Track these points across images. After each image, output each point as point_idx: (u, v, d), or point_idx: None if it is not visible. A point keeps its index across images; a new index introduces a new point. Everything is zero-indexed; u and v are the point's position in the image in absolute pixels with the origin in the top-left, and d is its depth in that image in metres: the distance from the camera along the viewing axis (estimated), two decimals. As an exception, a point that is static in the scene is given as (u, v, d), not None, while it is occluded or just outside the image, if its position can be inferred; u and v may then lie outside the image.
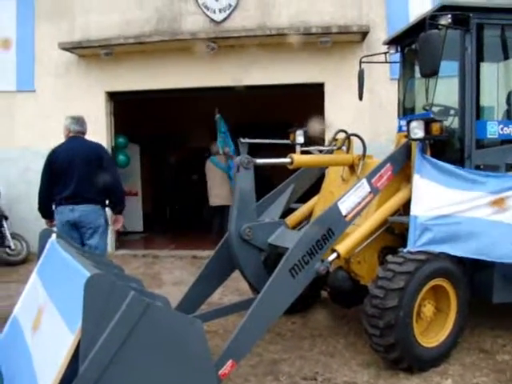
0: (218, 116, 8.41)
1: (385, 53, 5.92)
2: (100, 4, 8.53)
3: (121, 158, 9.45)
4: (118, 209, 5.06)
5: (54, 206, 4.96)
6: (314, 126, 5.24)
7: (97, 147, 5.03)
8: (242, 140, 4.04)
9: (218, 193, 8.93)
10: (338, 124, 7.75)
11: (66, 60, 8.75)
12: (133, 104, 9.71)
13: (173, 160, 13.44)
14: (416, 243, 3.88)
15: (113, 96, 8.84)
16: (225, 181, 8.91)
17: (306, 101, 8.30)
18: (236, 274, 4.22)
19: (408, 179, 4.38)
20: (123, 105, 9.14)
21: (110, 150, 8.80)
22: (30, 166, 8.72)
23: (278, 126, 10.56)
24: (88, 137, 8.03)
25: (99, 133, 8.54)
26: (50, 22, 8.78)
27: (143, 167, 11.13)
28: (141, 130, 10.77)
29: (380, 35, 7.88)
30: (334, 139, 5.02)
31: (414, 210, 3.99)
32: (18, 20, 9.09)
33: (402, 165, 4.37)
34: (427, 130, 4.09)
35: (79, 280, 2.30)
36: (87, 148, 4.91)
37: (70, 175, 4.79)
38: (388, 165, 4.23)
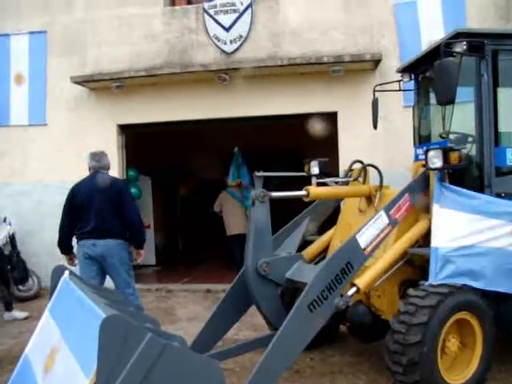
0: (236, 149, 8.52)
1: (398, 81, 6.00)
2: (111, 37, 8.80)
3: (132, 190, 9.52)
4: (138, 242, 5.18)
5: (74, 241, 5.12)
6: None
7: (115, 182, 5.30)
8: (257, 173, 4.07)
9: (235, 222, 9.24)
10: (353, 153, 7.84)
11: (78, 93, 8.95)
12: (144, 136, 9.84)
13: (184, 191, 13.51)
14: (438, 276, 3.83)
15: (124, 129, 8.99)
16: (241, 210, 9.34)
17: (319, 130, 8.36)
18: (251, 308, 4.19)
19: (427, 209, 4.35)
20: (134, 137, 9.28)
21: (121, 183, 8.96)
22: (42, 199, 8.85)
23: (292, 153, 10.84)
24: (99, 170, 8.16)
25: (111, 166, 8.69)
26: (62, 56, 9.03)
27: (155, 199, 11.20)
28: (152, 162, 10.88)
29: (393, 62, 7.97)
30: (350, 169, 5.05)
31: (435, 241, 3.95)
32: (30, 55, 9.34)
33: (420, 195, 4.36)
34: (445, 159, 4.09)
35: (94, 321, 2.29)
36: (106, 183, 5.11)
37: (91, 210, 4.99)
38: (406, 195, 4.22)
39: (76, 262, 5.21)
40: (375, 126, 6.11)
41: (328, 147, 8.20)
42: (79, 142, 8.81)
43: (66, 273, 3.52)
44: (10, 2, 9.35)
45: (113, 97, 8.67)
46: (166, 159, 11.72)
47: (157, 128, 9.05)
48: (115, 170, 8.67)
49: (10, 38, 9.40)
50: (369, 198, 4.70)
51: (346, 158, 7.89)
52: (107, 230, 4.94)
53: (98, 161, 5.31)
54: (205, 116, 8.51)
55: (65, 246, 5.17)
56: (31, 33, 9.27)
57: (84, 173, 8.64)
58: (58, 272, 3.57)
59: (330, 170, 5.11)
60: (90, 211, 4.98)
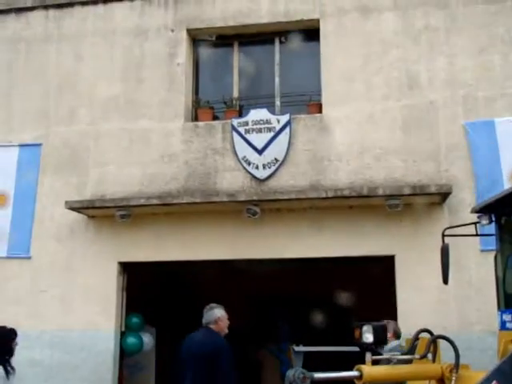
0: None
1: (474, 223, 6.19)
2: (118, 155, 9.46)
3: (131, 341, 9.48)
4: None
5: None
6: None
7: (215, 344, 6.10)
8: (296, 348, 4.21)
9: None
10: (415, 311, 7.96)
11: (73, 221, 9.39)
12: (150, 276, 10.08)
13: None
14: None
15: (127, 267, 9.29)
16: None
17: (371, 277, 8.52)
18: None
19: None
20: (138, 277, 9.54)
21: (118, 335, 9.09)
22: (18, 351, 8.90)
23: (336, 304, 10.89)
24: (94, 317, 8.36)
25: (108, 312, 9.01)
26: (57, 175, 9.64)
27: (159, 354, 11.11)
28: (158, 309, 10.97)
29: (465, 195, 8.35)
30: (416, 339, 5.10)
31: None
32: (18, 171, 9.95)
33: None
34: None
35: None
36: (206, 343, 6.10)
37: (188, 370, 6.06)
38: (494, 383, 4.22)
39: None
40: (445, 281, 6.20)
41: (382, 300, 8.29)
42: (68, 282, 9.13)
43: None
44: (0, 110, 10.20)
45: (116, 227, 9.08)
46: (177, 306, 11.73)
47: (168, 268, 9.31)
48: (111, 317, 8.96)
49: (-4, 151, 10.07)
50: (441, 382, 4.71)
51: (406, 316, 7.94)
52: None
53: (205, 315, 6.35)
54: (228, 256, 8.81)
55: None
56: (22, 145, 10.00)
57: (72, 321, 8.97)
58: None
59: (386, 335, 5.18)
60: (187, 371, 6.07)
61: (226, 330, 6.39)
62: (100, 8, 10.27)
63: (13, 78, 10.29)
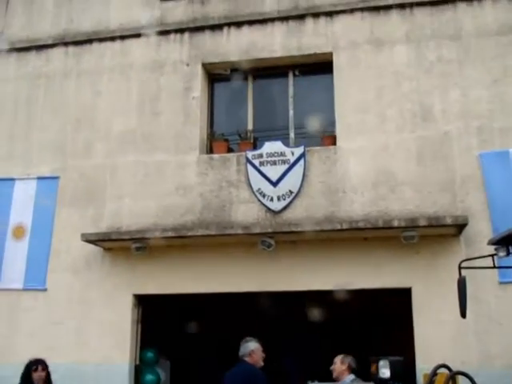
0: None
1: (492, 255, 6.11)
2: (134, 188, 9.48)
3: (149, 378, 9.40)
4: None
5: None
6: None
7: (250, 375, 6.36)
8: (311, 384, 4.09)
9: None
10: (433, 345, 7.83)
11: (89, 253, 9.38)
12: (165, 309, 10.01)
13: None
14: None
15: (142, 300, 9.23)
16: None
17: (387, 309, 8.38)
18: None
19: None
20: (153, 310, 9.46)
21: (132, 368, 8.97)
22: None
23: (352, 334, 10.71)
24: (108, 350, 8.32)
25: (122, 345, 8.94)
26: (74, 207, 9.68)
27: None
28: (173, 341, 10.87)
29: (481, 226, 8.24)
30: (434, 374, 4.99)
31: None
32: (36, 204, 10.02)
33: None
34: None
35: None
36: (240, 375, 6.36)
37: None
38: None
39: None
40: (463, 314, 6.12)
41: (399, 334, 8.14)
42: (83, 314, 9.10)
43: None
44: (19, 144, 10.35)
45: (131, 260, 9.06)
46: (192, 339, 11.66)
47: (183, 300, 9.24)
48: (126, 350, 8.87)
49: (14, 184, 10.18)
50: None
51: (424, 350, 7.82)
52: None
53: (240, 348, 6.59)
54: (243, 289, 8.72)
55: None
56: (40, 178, 10.10)
57: (87, 355, 8.90)
58: None
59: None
60: None
61: (261, 363, 6.59)
62: (117, 44, 10.43)
63: (32, 112, 10.43)
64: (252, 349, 6.55)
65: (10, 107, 10.56)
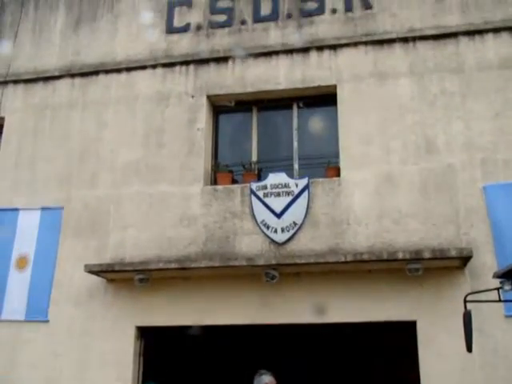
0: None
1: (497, 288, 6.06)
2: (138, 218, 9.41)
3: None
4: None
5: None
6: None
7: None
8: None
9: None
10: (438, 378, 7.80)
11: (92, 284, 9.33)
12: (168, 341, 9.91)
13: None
14: None
15: (145, 332, 9.13)
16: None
17: (393, 342, 8.28)
18: None
19: None
20: (156, 342, 9.38)
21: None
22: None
23: (357, 368, 10.59)
24: (109, 383, 8.26)
25: (124, 377, 8.83)
26: (77, 239, 9.68)
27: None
28: (175, 374, 10.74)
29: (486, 259, 8.21)
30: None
31: None
32: (39, 234, 10.01)
33: None
34: None
35: None
36: None
37: None
38: None
39: None
40: (469, 348, 6.06)
41: (405, 367, 8.03)
42: (85, 346, 9.01)
43: None
44: (24, 174, 10.39)
45: (134, 291, 8.98)
46: (196, 374, 11.51)
47: (186, 333, 9.10)
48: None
49: (18, 214, 10.19)
50: None
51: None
52: None
53: (254, 381, 6.55)
54: (247, 321, 8.63)
55: None
56: (44, 208, 10.10)
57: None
58: None
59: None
60: None
61: None
62: (123, 75, 10.54)
63: (38, 143, 10.51)
64: (266, 382, 6.51)
65: (16, 137, 10.65)
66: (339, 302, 8.40)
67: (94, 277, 9.20)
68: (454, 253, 7.99)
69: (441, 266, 8.19)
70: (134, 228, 9.36)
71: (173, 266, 8.62)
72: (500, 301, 6.13)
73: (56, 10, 11.33)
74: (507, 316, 7.82)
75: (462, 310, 6.32)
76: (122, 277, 9.04)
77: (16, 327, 9.48)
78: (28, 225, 10.08)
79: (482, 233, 8.40)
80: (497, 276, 6.20)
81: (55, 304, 9.43)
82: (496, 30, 9.18)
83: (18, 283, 9.70)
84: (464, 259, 8.09)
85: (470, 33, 9.26)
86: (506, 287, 5.97)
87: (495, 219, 8.40)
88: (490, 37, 9.21)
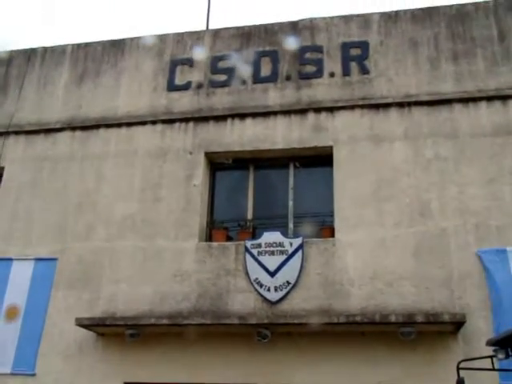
0: None
1: (491, 356, 5.97)
2: (131, 273, 9.39)
3: None
4: None
5: None
6: None
7: None
8: None
9: None
10: None
11: (81, 338, 9.15)
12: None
13: None
14: None
15: (132, 390, 8.96)
16: None
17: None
18: None
19: None
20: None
21: None
22: None
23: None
24: None
25: None
26: (70, 291, 9.55)
27: None
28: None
29: (479, 324, 8.12)
30: None
31: None
32: (32, 285, 9.87)
33: None
34: None
35: None
36: None
37: None
38: None
39: None
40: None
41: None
42: (72, 402, 8.76)
43: None
44: (20, 224, 10.32)
45: (124, 346, 8.83)
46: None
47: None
48: None
49: (11, 264, 10.07)
50: None
51: None
52: None
53: None
54: (238, 380, 8.45)
55: None
56: (38, 259, 9.99)
57: None
58: None
59: None
60: None
61: None
62: (123, 130, 10.62)
63: (35, 194, 10.48)
64: None
65: (15, 187, 10.64)
66: (330, 364, 8.27)
67: (84, 330, 9.04)
68: (447, 317, 7.92)
69: (434, 330, 8.12)
70: (127, 282, 9.31)
71: (164, 321, 8.50)
72: (493, 369, 6.03)
73: (61, 64, 11.54)
74: (502, 385, 7.67)
75: (455, 375, 6.23)
76: (112, 331, 8.89)
77: (1, 381, 9.20)
78: (21, 275, 9.96)
79: (476, 298, 8.34)
80: (490, 344, 6.13)
81: (43, 357, 9.22)
82: (489, 99, 9.37)
83: (7, 334, 9.49)
84: (457, 324, 8.01)
85: (464, 100, 9.45)
86: (500, 356, 5.90)
87: (490, 285, 8.35)
88: (483, 104, 9.38)
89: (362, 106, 9.75)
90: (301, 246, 8.87)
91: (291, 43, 10.43)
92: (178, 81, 10.76)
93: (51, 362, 9.14)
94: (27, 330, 9.47)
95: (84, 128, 10.80)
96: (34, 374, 9.17)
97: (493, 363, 6.03)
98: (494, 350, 5.99)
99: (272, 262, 8.81)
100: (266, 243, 8.96)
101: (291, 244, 8.89)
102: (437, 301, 8.31)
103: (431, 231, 8.71)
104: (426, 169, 9.12)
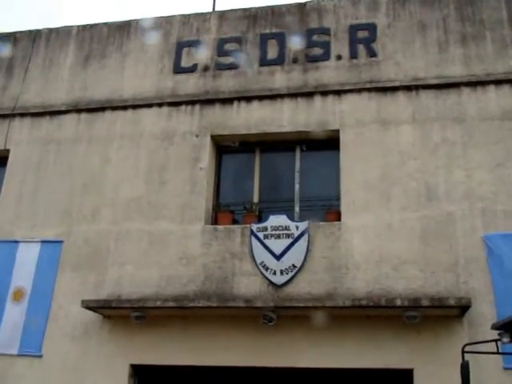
0: None
1: (495, 340, 6.01)
2: (137, 255, 9.47)
3: None
4: None
5: None
6: None
7: None
8: None
9: None
10: None
11: (87, 320, 9.24)
12: (163, 381, 9.76)
13: None
14: None
15: (139, 370, 9.02)
16: None
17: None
18: None
19: None
20: (150, 381, 9.20)
21: None
22: None
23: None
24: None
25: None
26: (75, 274, 9.64)
27: None
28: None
29: (485, 309, 8.16)
30: None
31: None
32: (38, 267, 9.95)
33: None
34: None
35: None
36: None
37: None
38: None
39: None
40: (467, 400, 5.97)
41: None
42: (78, 383, 8.87)
43: None
44: (26, 206, 10.39)
45: (130, 328, 8.93)
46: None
47: (182, 373, 8.98)
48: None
49: (18, 246, 10.15)
50: None
51: None
52: None
53: None
54: (243, 363, 8.53)
55: None
56: (44, 241, 10.07)
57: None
58: None
59: None
60: None
61: None
62: (129, 113, 10.64)
63: (41, 176, 10.55)
64: None
65: (20, 170, 10.70)
66: (336, 347, 8.34)
67: (90, 312, 9.13)
68: (452, 302, 7.99)
69: (439, 314, 8.16)
70: (133, 265, 9.39)
71: (170, 304, 8.59)
72: (498, 353, 6.07)
73: (66, 46, 11.53)
74: (506, 368, 7.71)
75: (460, 359, 6.27)
76: (118, 313, 8.98)
77: (8, 361, 9.35)
78: (27, 257, 10.04)
79: (481, 282, 8.37)
80: (495, 328, 6.17)
81: (50, 338, 9.33)
82: (498, 82, 9.33)
83: (14, 315, 9.60)
84: (462, 308, 8.06)
85: (472, 84, 9.42)
86: (505, 339, 5.94)
87: (496, 270, 8.38)
88: (491, 88, 9.35)
89: (370, 90, 9.73)
90: (307, 230, 8.92)
91: (298, 25, 10.42)
92: (184, 63, 10.74)
93: (58, 344, 9.25)
94: (34, 312, 9.57)
95: (90, 110, 10.82)
96: (40, 356, 9.28)
97: (497, 347, 6.06)
98: (499, 334, 6.03)
99: (278, 246, 8.87)
100: (271, 226, 9.01)
101: (297, 227, 8.94)
102: (442, 285, 8.36)
103: (438, 215, 8.73)
104: (434, 153, 9.11)
